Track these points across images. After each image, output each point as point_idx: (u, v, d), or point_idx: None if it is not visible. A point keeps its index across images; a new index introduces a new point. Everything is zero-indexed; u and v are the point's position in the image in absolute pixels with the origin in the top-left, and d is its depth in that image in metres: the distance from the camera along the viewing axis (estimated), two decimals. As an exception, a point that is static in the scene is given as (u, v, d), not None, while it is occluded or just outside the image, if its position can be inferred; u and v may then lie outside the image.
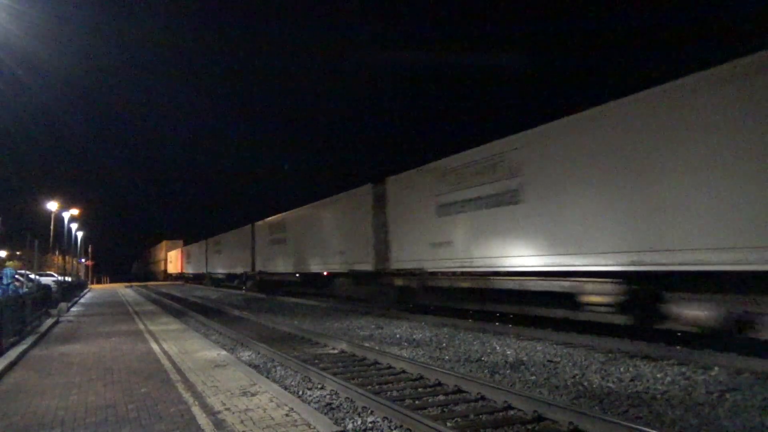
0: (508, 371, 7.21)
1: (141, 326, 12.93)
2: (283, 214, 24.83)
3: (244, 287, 30.94)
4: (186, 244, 61.85)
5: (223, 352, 8.53)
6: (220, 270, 37.88)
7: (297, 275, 22.73)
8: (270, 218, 26.90)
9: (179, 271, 58.76)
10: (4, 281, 16.00)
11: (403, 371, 7.29)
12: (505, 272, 10.47)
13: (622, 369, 6.95)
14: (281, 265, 24.49)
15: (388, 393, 6.14)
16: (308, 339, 10.78)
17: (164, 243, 77.98)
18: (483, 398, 5.74)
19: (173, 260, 64.10)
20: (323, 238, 19.40)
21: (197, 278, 49.05)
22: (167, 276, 68.94)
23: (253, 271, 28.81)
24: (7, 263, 36.66)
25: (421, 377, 6.84)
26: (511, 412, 5.28)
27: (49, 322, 14.14)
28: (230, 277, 34.94)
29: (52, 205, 28.34)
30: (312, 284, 21.90)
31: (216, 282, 40.25)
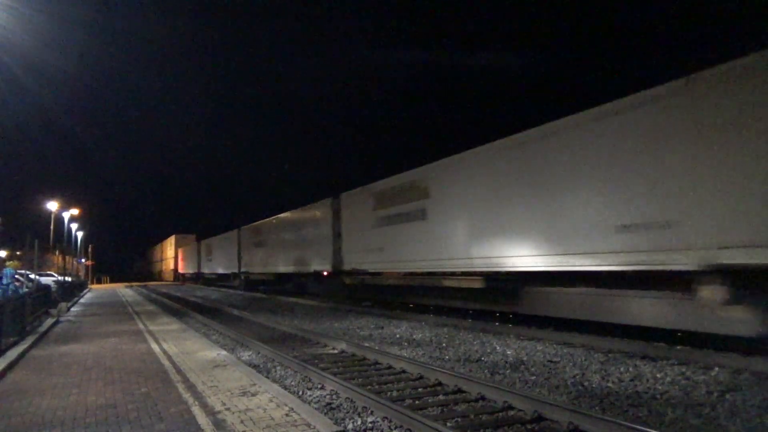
0: (508, 371, 7.21)
1: (141, 326, 12.93)
2: (418, 170, 14.09)
3: (320, 294, 21.05)
4: (201, 238, 50.09)
5: (223, 352, 8.53)
6: (265, 268, 26.90)
7: (474, 278, 11.78)
8: (378, 183, 16.13)
9: (195, 270, 48.24)
10: (4, 281, 16.00)
11: (403, 371, 7.29)
12: None
13: (622, 369, 6.96)
14: (411, 258, 14.08)
15: (388, 393, 6.14)
16: (308, 339, 10.78)
17: (173, 238, 67.71)
18: (483, 398, 5.74)
19: (187, 257, 54.17)
20: (571, 197, 9.25)
21: (223, 279, 37.71)
22: (178, 276, 59.84)
23: (338, 269, 18.53)
24: (7, 263, 36.65)
25: (421, 377, 6.84)
26: (511, 412, 5.28)
27: (49, 322, 14.14)
28: (285, 277, 24.79)
29: (52, 205, 28.36)
30: (510, 297, 10.91)
31: (254, 285, 30.40)
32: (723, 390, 5.80)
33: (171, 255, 67.53)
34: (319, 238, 20.02)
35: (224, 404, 5.29)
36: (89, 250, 66.28)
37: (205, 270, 44.14)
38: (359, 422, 5.08)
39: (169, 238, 72.35)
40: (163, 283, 64.49)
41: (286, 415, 4.85)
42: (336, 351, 9.28)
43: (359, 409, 5.51)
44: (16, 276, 20.25)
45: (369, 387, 6.42)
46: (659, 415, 5.11)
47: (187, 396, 5.67)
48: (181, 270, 58.41)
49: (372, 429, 4.91)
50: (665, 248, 7.67)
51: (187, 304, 22.68)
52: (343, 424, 4.99)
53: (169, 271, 69.12)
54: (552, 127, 9.91)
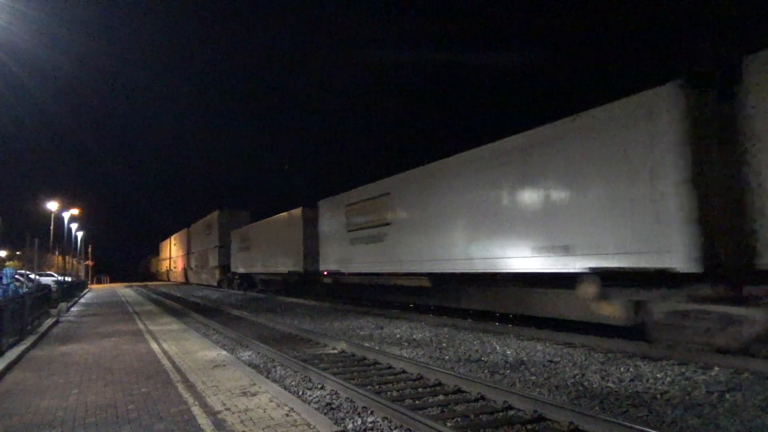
0: (508, 371, 7.21)
1: (141, 326, 12.93)
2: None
3: None
4: (257, 217, 31.61)
5: (223, 352, 8.53)
6: None
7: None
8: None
9: (290, 267, 22.76)
10: (4, 281, 16.00)
11: (403, 371, 7.29)
12: None
13: (622, 369, 6.96)
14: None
15: (388, 393, 6.14)
16: (308, 339, 10.78)
17: (214, 217, 39.56)
18: (483, 398, 5.74)
19: (254, 244, 28.71)
20: None
21: (417, 291, 14.23)
22: (230, 279, 34.29)
23: None
24: (7, 263, 36.69)
25: (421, 377, 6.84)
26: (511, 412, 5.28)
27: (49, 321, 14.14)
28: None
29: (52, 205, 28.35)
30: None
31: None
32: (723, 390, 5.79)
33: (209, 244, 39.98)
34: None
35: (224, 404, 5.29)
36: (89, 250, 65.75)
37: (331, 264, 18.88)
38: (359, 422, 5.08)
39: (205, 219, 43.59)
40: (162, 283, 59.43)
41: (286, 415, 4.85)
42: (336, 351, 9.28)
43: (359, 409, 5.51)
44: (16, 276, 20.26)
45: (369, 387, 6.42)
46: (659, 415, 5.11)
47: (187, 396, 5.67)
48: (237, 267, 32.48)
49: (372, 429, 4.91)
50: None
51: (186, 304, 22.69)
52: (343, 424, 5.00)
53: (205, 270, 42.17)
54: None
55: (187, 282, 49.79)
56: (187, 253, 50.46)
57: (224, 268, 35.72)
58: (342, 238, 17.81)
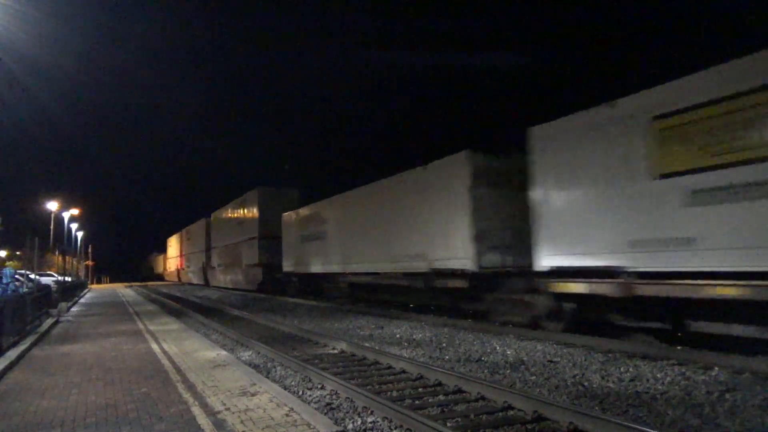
0: (508, 371, 7.21)
1: (141, 326, 12.93)
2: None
3: None
4: (311, 199, 22.58)
5: (223, 352, 8.53)
6: None
7: None
8: None
9: (422, 263, 13.04)
10: (4, 281, 16.03)
11: (403, 371, 7.29)
12: None
13: (622, 369, 6.95)
14: None
15: (389, 393, 6.14)
16: (308, 339, 10.78)
17: (252, 198, 28.48)
18: (483, 398, 5.74)
19: (332, 227, 19.03)
20: None
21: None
22: (280, 281, 25.18)
23: None
24: (7, 263, 36.74)
25: (421, 377, 6.84)
26: (511, 412, 5.28)
27: (49, 321, 14.13)
28: None
29: (52, 205, 28.39)
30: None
31: None
32: (723, 390, 5.79)
33: (244, 234, 29.37)
34: None
35: (224, 404, 5.29)
36: (89, 250, 65.57)
37: (575, 255, 9.02)
38: (359, 422, 5.08)
39: (235, 204, 32.41)
40: (162, 283, 58.80)
41: (286, 415, 4.85)
42: (336, 351, 9.29)
43: (359, 409, 5.51)
44: (16, 276, 20.29)
45: (369, 387, 6.42)
46: (659, 415, 5.11)
47: (187, 396, 5.67)
48: (297, 266, 22.81)
49: (372, 429, 4.91)
50: None
51: (186, 304, 22.69)
52: (343, 424, 4.99)
53: (236, 269, 31.15)
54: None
55: (206, 284, 39.49)
56: (207, 249, 39.61)
57: (269, 266, 26.07)
58: (631, 196, 8.20)
